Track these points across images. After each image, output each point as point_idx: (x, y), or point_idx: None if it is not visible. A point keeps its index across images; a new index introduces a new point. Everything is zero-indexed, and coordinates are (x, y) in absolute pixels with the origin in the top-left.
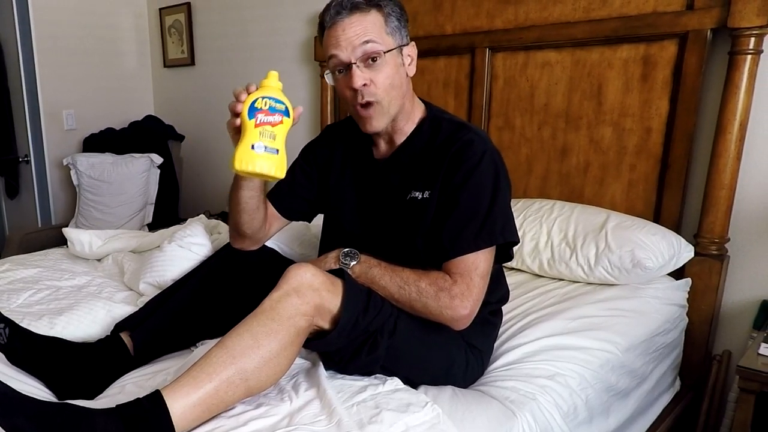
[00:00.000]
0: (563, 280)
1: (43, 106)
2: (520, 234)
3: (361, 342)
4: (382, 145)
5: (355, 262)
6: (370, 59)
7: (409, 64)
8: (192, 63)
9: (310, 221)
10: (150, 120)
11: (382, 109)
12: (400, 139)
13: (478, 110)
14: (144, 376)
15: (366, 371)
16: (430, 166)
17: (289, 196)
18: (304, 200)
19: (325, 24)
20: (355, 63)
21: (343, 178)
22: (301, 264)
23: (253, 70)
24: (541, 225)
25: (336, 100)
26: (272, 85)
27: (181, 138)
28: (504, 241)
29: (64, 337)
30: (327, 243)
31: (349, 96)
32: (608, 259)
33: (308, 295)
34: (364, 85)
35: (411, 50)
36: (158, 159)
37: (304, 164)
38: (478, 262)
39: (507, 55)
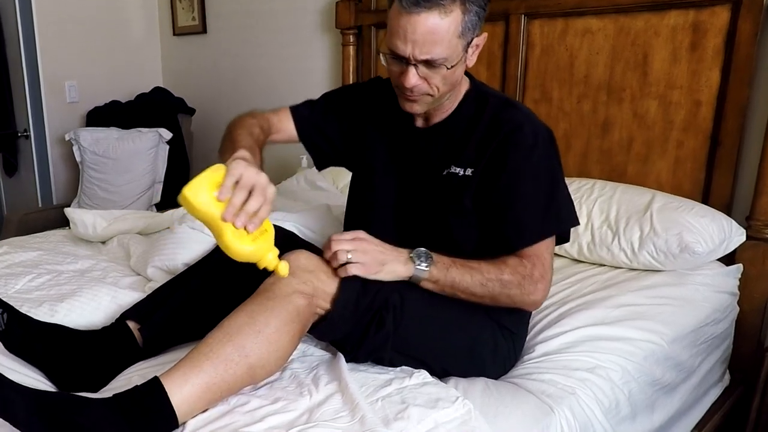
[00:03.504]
0: (604, 265)
1: (43, 77)
2: None
3: (367, 322)
4: (419, 117)
5: (431, 265)
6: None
7: (472, 54)
8: (203, 31)
9: (318, 165)
10: (158, 92)
11: (431, 100)
12: (440, 114)
13: (513, 81)
14: (152, 368)
15: (378, 356)
16: (475, 143)
17: (312, 126)
18: (326, 137)
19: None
20: (413, 63)
21: (377, 140)
22: (294, 251)
23: (270, 39)
24: (581, 206)
25: (359, 72)
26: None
27: (191, 111)
28: (570, 227)
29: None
30: (356, 208)
31: (396, 83)
32: (653, 243)
33: (304, 276)
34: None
35: (480, 40)
36: (167, 134)
37: (330, 110)
38: (549, 242)
39: (544, 22)
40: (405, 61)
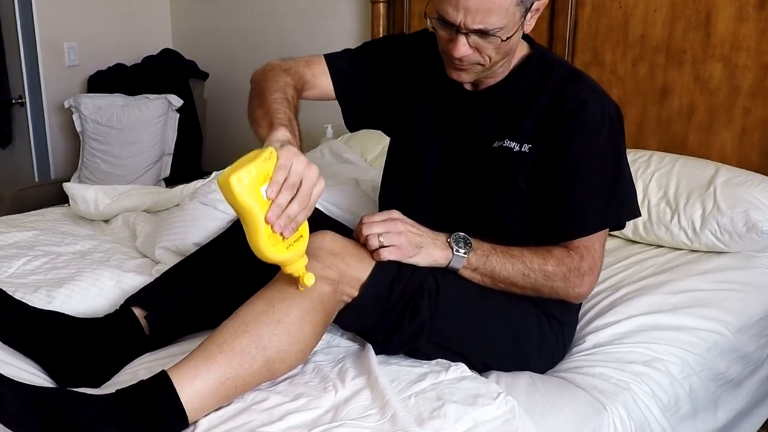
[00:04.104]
0: (662, 246)
1: (40, 38)
2: None
3: (401, 309)
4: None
5: (469, 251)
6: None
7: (531, 19)
8: None
9: (350, 126)
10: (167, 54)
11: (481, 69)
12: (491, 79)
13: (561, 43)
14: (160, 360)
15: (412, 348)
16: (535, 117)
17: (351, 81)
18: (364, 95)
19: None
20: (464, 32)
21: (421, 102)
22: (318, 232)
23: None
24: (636, 180)
25: (389, 33)
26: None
27: (204, 76)
28: (631, 218)
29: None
30: (393, 179)
31: (444, 49)
32: (717, 221)
33: (328, 260)
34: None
35: (541, 4)
36: (177, 101)
37: (371, 64)
38: (603, 233)
39: None
40: (455, 29)
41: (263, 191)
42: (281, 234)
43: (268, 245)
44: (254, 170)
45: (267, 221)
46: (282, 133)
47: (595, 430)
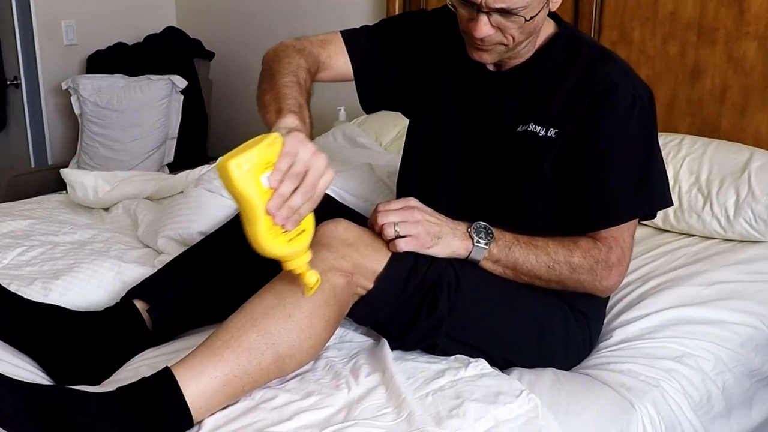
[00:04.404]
0: (694, 235)
1: (36, 15)
2: None
3: (418, 302)
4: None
5: (491, 242)
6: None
7: None
8: None
9: (367, 108)
10: (171, 33)
11: (504, 50)
12: (515, 60)
13: (587, 20)
14: (163, 356)
15: (430, 343)
16: (562, 99)
17: (370, 60)
18: (383, 76)
19: None
20: (485, 11)
21: (442, 84)
22: (331, 220)
23: None
24: (667, 166)
25: (406, 6)
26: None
27: (210, 55)
28: (662, 208)
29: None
30: (412, 164)
31: (464, 28)
32: (752, 209)
33: (342, 250)
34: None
35: None
36: (181, 82)
37: (390, 43)
38: (632, 222)
39: None
40: (476, 8)
41: (265, 179)
42: (282, 226)
43: (267, 238)
44: (256, 156)
45: (267, 212)
46: (290, 120)
47: (622, 429)
